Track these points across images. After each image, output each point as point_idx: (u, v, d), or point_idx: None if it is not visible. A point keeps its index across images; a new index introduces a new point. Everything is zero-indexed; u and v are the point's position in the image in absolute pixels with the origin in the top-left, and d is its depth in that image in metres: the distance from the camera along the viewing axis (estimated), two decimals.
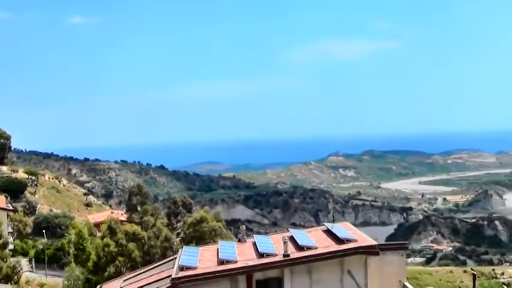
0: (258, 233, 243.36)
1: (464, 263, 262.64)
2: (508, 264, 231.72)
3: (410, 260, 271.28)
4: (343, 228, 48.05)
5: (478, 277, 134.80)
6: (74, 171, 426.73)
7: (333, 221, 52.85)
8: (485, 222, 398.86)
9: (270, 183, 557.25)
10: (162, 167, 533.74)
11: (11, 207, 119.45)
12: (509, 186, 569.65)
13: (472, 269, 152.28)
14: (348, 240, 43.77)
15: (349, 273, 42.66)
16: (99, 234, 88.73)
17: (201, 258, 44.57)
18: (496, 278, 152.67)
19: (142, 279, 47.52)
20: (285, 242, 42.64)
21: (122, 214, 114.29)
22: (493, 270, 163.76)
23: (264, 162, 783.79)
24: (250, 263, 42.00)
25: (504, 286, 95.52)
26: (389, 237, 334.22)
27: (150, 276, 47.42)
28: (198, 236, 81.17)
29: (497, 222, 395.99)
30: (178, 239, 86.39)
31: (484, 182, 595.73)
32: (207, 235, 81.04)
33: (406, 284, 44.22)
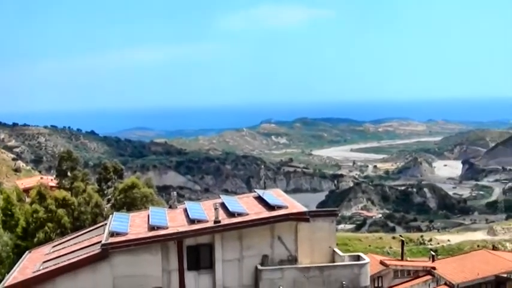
0: (190, 199, 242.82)
1: (393, 230, 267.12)
2: (436, 231, 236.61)
3: (340, 226, 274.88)
4: (274, 195, 48.14)
5: (407, 243, 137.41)
6: (1, 136, 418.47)
7: (265, 188, 52.89)
8: (415, 190, 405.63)
9: (202, 150, 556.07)
10: (92, 133, 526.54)
11: None
12: (439, 154, 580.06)
13: (400, 236, 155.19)
14: (279, 207, 43.83)
15: (279, 239, 42.77)
16: (28, 200, 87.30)
17: (131, 224, 44.20)
18: (424, 244, 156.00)
19: (72, 245, 46.93)
20: (216, 209, 42.52)
21: (51, 180, 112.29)
22: (421, 236, 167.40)
23: (196, 129, 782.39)
24: (181, 229, 41.82)
25: (432, 252, 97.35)
26: (320, 204, 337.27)
27: (80, 242, 46.86)
28: (129, 202, 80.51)
29: (426, 190, 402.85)
30: (109, 205, 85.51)
31: (413, 150, 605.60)
32: (138, 201, 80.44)
33: (336, 249, 44.58)
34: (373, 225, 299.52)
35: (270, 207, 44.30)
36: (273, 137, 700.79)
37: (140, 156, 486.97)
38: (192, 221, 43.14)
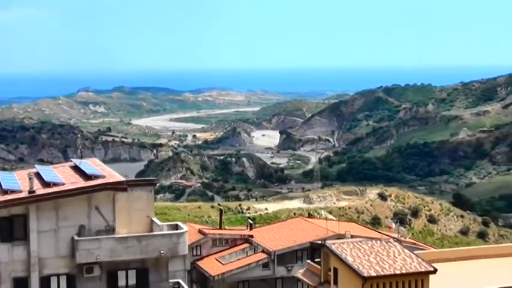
0: (3, 169, 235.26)
1: (212, 199, 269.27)
2: (254, 199, 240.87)
3: (159, 196, 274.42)
4: (92, 165, 47.25)
5: (225, 212, 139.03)
6: None
7: (81, 158, 51.99)
8: (233, 159, 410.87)
9: (16, 118, 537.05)
10: None
11: None
12: (257, 124, 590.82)
13: (219, 204, 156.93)
14: (96, 177, 43.13)
15: (96, 209, 42.16)
16: None
17: None
18: (242, 212, 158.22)
19: None
20: (30, 178, 41.25)
21: None
22: (240, 205, 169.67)
23: (9, 97, 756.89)
24: None
25: (249, 220, 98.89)
26: (139, 174, 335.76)
27: None
28: None
29: (244, 159, 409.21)
30: None
31: (232, 120, 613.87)
32: None
33: (154, 219, 44.39)
34: (192, 195, 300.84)
35: (86, 176, 43.50)
36: (90, 105, 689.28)
37: None
38: (5, 192, 41.62)
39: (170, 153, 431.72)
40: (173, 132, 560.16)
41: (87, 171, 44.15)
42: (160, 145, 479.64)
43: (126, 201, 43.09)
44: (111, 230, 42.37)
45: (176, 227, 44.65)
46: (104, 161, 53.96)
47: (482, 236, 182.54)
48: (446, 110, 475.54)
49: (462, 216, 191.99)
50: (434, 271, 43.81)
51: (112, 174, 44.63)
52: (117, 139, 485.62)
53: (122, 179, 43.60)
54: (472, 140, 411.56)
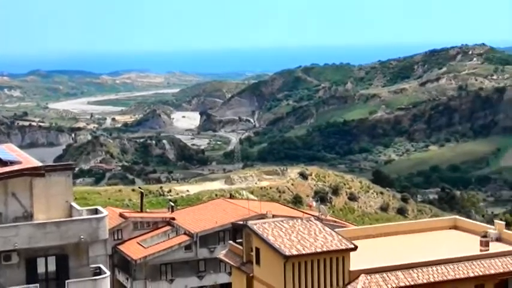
0: None
1: (132, 182, 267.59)
2: (175, 181, 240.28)
3: (79, 180, 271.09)
4: (7, 150, 46.27)
5: (146, 195, 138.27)
6: None
7: None
8: (154, 142, 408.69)
9: None
10: None
11: None
12: (177, 105, 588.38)
13: (140, 188, 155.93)
14: (12, 163, 42.28)
15: (13, 196, 41.35)
16: None
17: None
18: (164, 195, 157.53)
19: None
20: None
21: None
22: (161, 188, 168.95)
23: None
24: None
25: (171, 203, 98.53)
26: (58, 158, 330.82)
27: None
28: None
29: (165, 141, 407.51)
30: None
31: (152, 102, 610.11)
32: None
33: (73, 204, 43.75)
34: (112, 178, 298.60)
35: (2, 162, 42.60)
36: (5, 90, 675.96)
37: None
38: None
39: (89, 137, 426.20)
40: (92, 116, 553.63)
41: (3, 157, 43.22)
42: (79, 129, 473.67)
43: (44, 186, 42.30)
44: (28, 216, 41.64)
45: (96, 211, 44.10)
46: (21, 147, 53.09)
47: (401, 212, 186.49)
48: (365, 88, 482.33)
49: (382, 193, 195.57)
50: (355, 248, 44.35)
51: (29, 159, 43.83)
52: (34, 124, 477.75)
53: (39, 164, 42.83)
54: (390, 118, 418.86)
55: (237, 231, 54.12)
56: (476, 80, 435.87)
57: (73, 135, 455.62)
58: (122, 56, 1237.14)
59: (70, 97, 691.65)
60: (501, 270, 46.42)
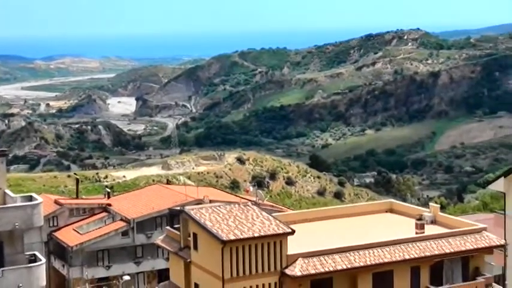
0: None
1: (68, 168, 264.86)
2: (112, 167, 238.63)
3: (13, 167, 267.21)
4: None
5: (82, 181, 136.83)
6: None
7: None
8: (89, 127, 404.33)
9: None
10: None
11: None
12: (112, 91, 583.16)
13: (75, 174, 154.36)
14: None
15: None
16: None
17: None
18: (100, 181, 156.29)
19: None
20: None
21: None
22: (97, 173, 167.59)
23: None
24: None
25: (107, 189, 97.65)
26: None
27: None
28: None
29: (100, 127, 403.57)
30: None
31: (87, 87, 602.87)
32: None
33: (7, 191, 43.07)
34: (47, 165, 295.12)
35: None
36: None
37: None
38: None
39: (23, 123, 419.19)
40: (25, 101, 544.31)
41: None
42: (12, 115, 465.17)
43: None
44: None
45: (30, 198, 43.45)
46: None
47: (338, 196, 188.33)
48: (301, 73, 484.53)
49: (319, 177, 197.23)
50: (292, 232, 44.50)
51: None
52: None
53: None
54: (327, 102, 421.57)
55: (174, 216, 53.90)
56: (411, 64, 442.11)
57: (6, 121, 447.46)
58: (55, 41, 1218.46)
59: (3, 83, 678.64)
60: (436, 252, 47.16)
